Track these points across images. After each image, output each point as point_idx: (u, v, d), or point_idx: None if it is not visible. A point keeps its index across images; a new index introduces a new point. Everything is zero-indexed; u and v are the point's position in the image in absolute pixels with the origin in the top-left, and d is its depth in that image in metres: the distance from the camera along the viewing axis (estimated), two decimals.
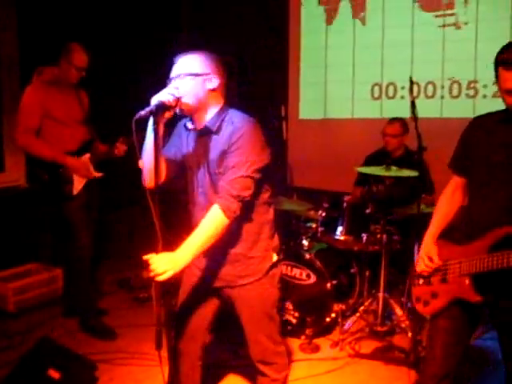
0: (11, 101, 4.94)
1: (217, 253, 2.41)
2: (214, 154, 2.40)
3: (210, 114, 2.44)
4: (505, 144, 2.32)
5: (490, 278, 2.30)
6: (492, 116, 2.42)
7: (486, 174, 2.39)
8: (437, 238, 2.57)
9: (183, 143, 2.55)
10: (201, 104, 2.41)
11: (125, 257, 5.30)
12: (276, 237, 2.66)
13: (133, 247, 5.35)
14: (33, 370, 3.13)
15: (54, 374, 3.15)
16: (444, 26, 4.93)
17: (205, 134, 2.45)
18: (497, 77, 2.26)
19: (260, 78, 5.87)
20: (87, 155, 4.10)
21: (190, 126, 2.51)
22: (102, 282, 5.09)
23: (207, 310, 2.70)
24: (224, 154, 2.36)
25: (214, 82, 2.42)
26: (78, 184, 4.03)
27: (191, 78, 2.36)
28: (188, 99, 2.36)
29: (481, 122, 2.48)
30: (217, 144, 2.40)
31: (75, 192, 4.01)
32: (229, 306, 2.67)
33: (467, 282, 2.36)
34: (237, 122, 2.38)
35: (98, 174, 4.16)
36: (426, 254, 2.54)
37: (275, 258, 2.61)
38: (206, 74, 2.40)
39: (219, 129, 2.40)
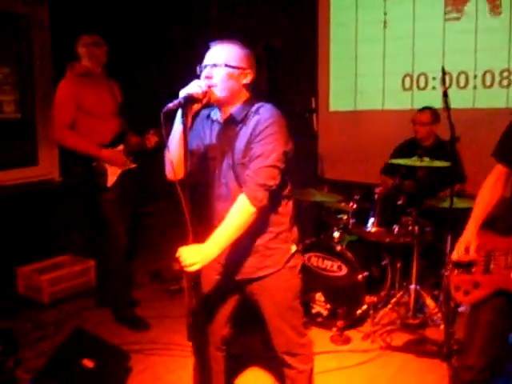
0: (44, 96, 5.02)
1: (239, 245, 2.39)
2: (239, 143, 2.38)
3: (236, 106, 2.42)
4: None
5: None
6: None
7: None
8: (480, 227, 2.53)
9: (206, 134, 2.53)
10: (232, 97, 2.40)
11: (157, 249, 5.35)
12: (295, 229, 2.64)
13: (165, 239, 5.40)
14: (67, 359, 3.18)
15: (89, 364, 3.20)
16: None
17: (230, 125, 2.44)
18: None
19: (290, 71, 5.85)
20: (121, 146, 4.14)
21: (214, 116, 2.50)
22: (134, 274, 5.14)
23: (226, 305, 2.70)
24: (249, 144, 2.34)
25: (248, 78, 2.42)
26: (112, 176, 4.06)
27: (228, 69, 2.35)
28: (220, 91, 2.34)
29: None
30: (242, 134, 2.38)
31: (109, 184, 4.05)
32: (251, 301, 2.65)
33: None
34: (263, 113, 2.36)
35: (132, 165, 4.19)
36: (465, 244, 2.51)
37: (294, 249, 2.59)
38: (243, 69, 2.40)
39: (245, 119, 2.39)
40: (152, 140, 4.15)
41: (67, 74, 4.03)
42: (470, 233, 2.52)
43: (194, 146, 2.54)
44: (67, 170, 4.20)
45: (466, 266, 2.52)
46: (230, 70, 2.35)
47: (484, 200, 2.56)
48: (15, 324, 4.13)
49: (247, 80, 2.42)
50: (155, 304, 4.64)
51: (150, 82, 5.44)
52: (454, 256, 2.55)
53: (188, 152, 2.21)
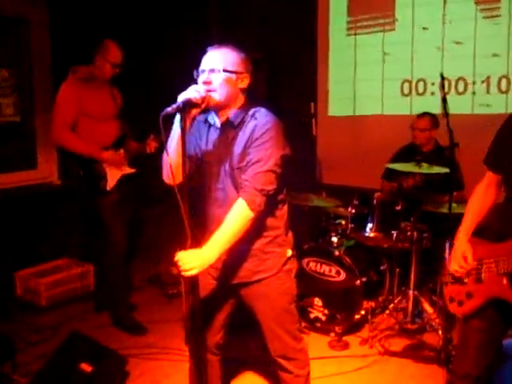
0: (43, 99, 5.02)
1: (235, 249, 2.39)
2: (236, 148, 2.39)
3: (233, 110, 2.43)
4: None
5: None
6: None
7: None
8: (470, 236, 2.52)
9: (203, 138, 2.54)
10: (229, 101, 2.41)
11: (155, 253, 5.35)
12: (290, 233, 2.65)
13: (163, 243, 5.39)
14: (65, 363, 3.19)
15: (86, 368, 3.20)
16: (476, 19, 4.86)
17: (227, 129, 2.45)
18: None
19: (289, 76, 5.85)
20: (121, 150, 4.15)
21: (211, 121, 2.51)
22: (132, 278, 5.14)
23: (221, 310, 2.70)
24: (246, 149, 2.35)
25: (245, 82, 2.44)
26: (112, 180, 4.07)
27: (226, 74, 2.36)
28: (218, 95, 2.35)
29: None
30: (239, 139, 2.39)
31: (109, 187, 4.06)
32: (246, 305, 2.65)
33: (505, 281, 2.31)
34: (260, 118, 2.37)
35: (132, 170, 4.21)
36: (461, 254, 2.49)
37: (289, 253, 2.60)
38: (240, 73, 2.41)
39: (242, 123, 2.40)
40: (152, 145, 4.17)
41: (69, 77, 4.03)
42: (463, 241, 2.51)
43: (192, 150, 2.55)
44: (67, 173, 4.19)
45: (460, 278, 2.51)
46: (228, 74, 2.36)
47: (474, 207, 2.54)
48: (13, 327, 4.14)
49: (244, 84, 2.44)
50: (153, 308, 4.64)
51: (152, 86, 5.44)
52: (453, 268, 2.53)
53: (186, 156, 2.22)
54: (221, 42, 2.46)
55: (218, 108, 2.42)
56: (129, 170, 4.18)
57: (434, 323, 3.96)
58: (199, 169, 2.57)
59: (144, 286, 5.18)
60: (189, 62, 2.50)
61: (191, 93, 2.23)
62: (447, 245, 3.53)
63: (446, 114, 3.60)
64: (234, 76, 2.38)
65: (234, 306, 2.74)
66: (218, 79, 2.35)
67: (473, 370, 2.43)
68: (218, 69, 2.34)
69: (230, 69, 2.37)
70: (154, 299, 4.85)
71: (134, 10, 5.52)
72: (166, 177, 2.44)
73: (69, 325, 4.21)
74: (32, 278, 4.74)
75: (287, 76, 5.84)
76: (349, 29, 5.61)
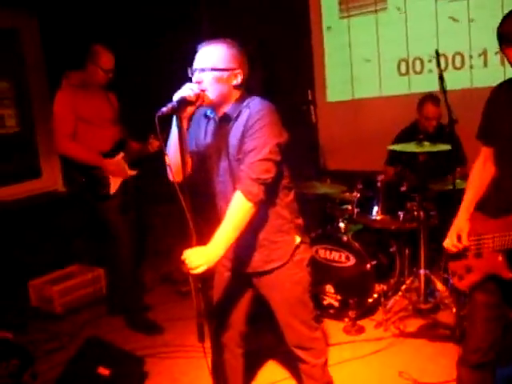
0: (42, 107, 5.03)
1: (243, 240, 2.39)
2: (233, 140, 2.38)
3: (229, 105, 2.42)
4: None
5: None
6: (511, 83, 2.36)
7: (509, 145, 2.33)
8: (472, 211, 2.50)
9: (202, 132, 2.54)
10: (223, 99, 2.39)
11: (165, 252, 5.36)
12: (300, 219, 2.63)
13: (172, 242, 5.41)
14: (83, 368, 3.21)
15: (104, 371, 3.22)
16: None
17: (224, 122, 2.43)
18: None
19: (285, 64, 5.83)
20: (121, 154, 4.16)
21: (211, 114, 2.50)
22: (144, 278, 5.16)
23: (241, 300, 2.72)
24: (242, 139, 2.34)
25: (239, 78, 2.40)
26: (114, 184, 4.09)
27: (216, 73, 2.33)
28: (211, 94, 2.34)
29: (501, 91, 2.41)
30: (235, 130, 2.38)
31: (112, 192, 4.07)
32: (261, 295, 2.67)
33: (500, 258, 2.31)
34: (253, 107, 2.35)
35: (133, 172, 4.22)
36: (457, 232, 2.49)
37: (298, 240, 2.58)
38: (233, 69, 2.37)
39: (239, 115, 2.38)
40: (154, 144, 4.17)
41: (63, 84, 4.03)
42: (462, 219, 2.50)
43: (191, 145, 2.55)
44: (70, 180, 4.21)
45: (459, 253, 2.51)
46: (218, 73, 2.34)
47: (473, 183, 2.53)
48: (30, 336, 4.17)
49: (238, 80, 2.40)
50: (167, 307, 4.66)
51: (148, 86, 5.43)
52: (446, 244, 2.53)
53: (185, 156, 2.22)
54: (212, 37, 2.44)
55: (213, 106, 2.41)
56: (131, 173, 4.19)
57: (446, 301, 3.96)
58: (203, 163, 2.57)
59: (156, 285, 5.20)
60: (184, 59, 2.48)
61: (185, 91, 2.23)
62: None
63: (443, 90, 3.58)
64: (225, 74, 2.35)
65: (252, 296, 2.74)
66: (207, 78, 2.32)
67: (482, 343, 2.42)
68: (207, 68, 2.32)
69: (219, 67, 2.33)
70: (168, 298, 4.87)
71: (127, 13, 5.50)
72: (172, 176, 2.45)
73: (85, 330, 4.25)
74: (45, 286, 4.77)
75: (283, 65, 5.81)
76: (341, 10, 5.58)
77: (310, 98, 5.21)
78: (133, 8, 5.60)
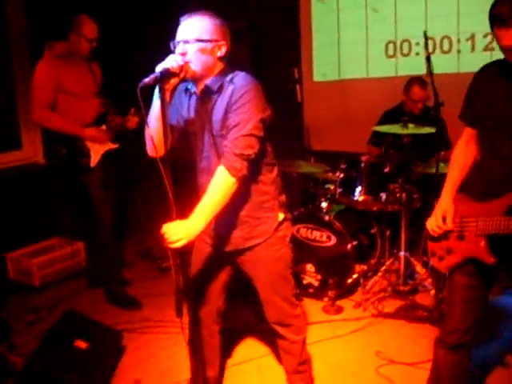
0: (23, 78, 4.93)
1: (224, 216, 2.38)
2: (216, 115, 2.36)
3: (211, 77, 2.38)
4: (507, 97, 2.26)
5: (507, 240, 2.26)
6: (496, 66, 2.34)
7: (492, 128, 2.33)
8: (455, 192, 2.50)
9: (184, 108, 2.51)
10: (207, 70, 2.36)
11: (146, 227, 5.34)
12: (283, 196, 2.62)
13: (153, 217, 5.38)
14: (60, 341, 3.18)
15: (81, 344, 3.19)
16: None
17: (207, 96, 2.40)
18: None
19: (273, 43, 5.79)
20: (103, 127, 4.10)
21: (192, 89, 2.46)
22: (125, 254, 5.15)
23: (219, 276, 2.71)
24: (226, 114, 2.31)
25: (223, 50, 2.37)
26: (95, 156, 4.03)
27: (200, 44, 2.30)
28: (195, 66, 2.30)
29: (486, 73, 2.39)
30: (218, 105, 2.35)
31: (92, 164, 4.02)
32: (242, 271, 2.66)
33: (482, 243, 2.31)
34: (237, 82, 2.33)
35: (115, 145, 4.17)
36: (441, 214, 2.47)
37: (281, 216, 2.57)
38: (216, 41, 2.34)
39: (221, 89, 2.35)
40: (133, 120, 4.12)
41: (45, 55, 3.95)
42: (446, 201, 2.48)
43: (174, 121, 2.52)
44: (50, 152, 4.15)
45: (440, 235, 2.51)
46: (203, 44, 2.30)
47: (457, 164, 2.52)
48: (8, 309, 4.16)
49: (221, 52, 2.37)
50: (147, 282, 4.65)
51: (131, 59, 5.36)
52: (430, 225, 2.52)
53: (168, 128, 2.19)
54: (199, 5, 2.39)
55: (197, 78, 2.37)
56: (112, 146, 4.14)
57: (425, 283, 4.00)
58: (184, 139, 2.55)
59: (137, 260, 5.19)
60: (170, 34, 2.43)
61: (169, 62, 2.18)
62: (435, 204, 3.54)
63: (430, 73, 3.57)
64: (209, 45, 2.32)
65: (231, 273, 2.74)
66: (192, 50, 2.29)
67: (460, 324, 2.43)
68: (192, 39, 2.28)
69: (204, 38, 2.30)
70: (147, 273, 4.86)
71: None
72: (150, 150, 2.42)
73: (63, 303, 4.22)
74: (24, 259, 4.72)
75: (271, 43, 5.77)
76: None
77: (296, 76, 5.17)
78: None
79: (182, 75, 2.26)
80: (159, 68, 2.15)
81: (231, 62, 2.46)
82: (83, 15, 3.94)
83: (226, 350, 3.32)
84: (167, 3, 5.65)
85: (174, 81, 2.24)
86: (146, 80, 2.08)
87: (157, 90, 2.19)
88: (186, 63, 2.27)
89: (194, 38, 2.29)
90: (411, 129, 3.89)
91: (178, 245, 2.14)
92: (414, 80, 4.51)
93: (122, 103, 4.05)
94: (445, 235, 2.48)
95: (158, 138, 2.20)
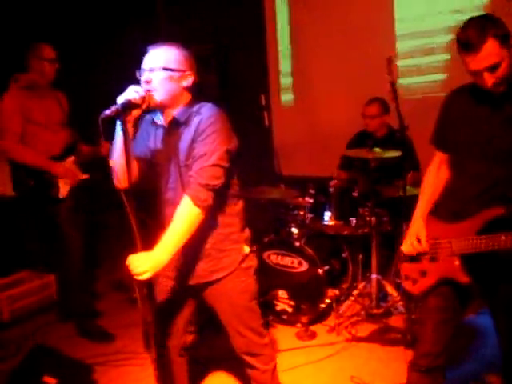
0: None
1: (189, 249, 2.37)
2: (182, 145, 2.35)
3: (178, 108, 2.39)
4: (477, 120, 2.30)
5: (480, 258, 2.29)
6: (466, 90, 2.38)
7: (464, 150, 2.37)
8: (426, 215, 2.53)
9: (151, 139, 2.50)
10: (172, 100, 2.36)
11: (116, 258, 5.27)
12: (247, 229, 2.62)
13: (124, 248, 5.33)
14: (27, 377, 3.12)
15: (50, 381, 3.14)
16: None
17: (173, 127, 2.40)
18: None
19: (239, 69, 5.83)
20: (72, 158, 4.08)
21: (158, 121, 2.46)
22: (96, 284, 5.08)
23: (183, 310, 2.68)
24: (192, 144, 2.31)
25: (189, 80, 2.38)
26: (64, 187, 4.00)
27: (166, 73, 2.31)
28: (160, 95, 2.31)
29: (456, 97, 2.44)
30: (185, 135, 2.35)
31: (61, 196, 3.98)
32: (207, 304, 2.64)
33: (457, 262, 2.34)
34: (204, 112, 2.33)
35: (84, 176, 4.14)
36: (415, 235, 2.50)
37: (247, 250, 2.57)
38: (183, 71, 2.36)
39: (188, 120, 2.35)
40: (106, 147, 4.09)
41: (11, 87, 3.94)
42: (419, 223, 2.52)
43: (140, 152, 2.51)
44: (17, 184, 4.09)
45: (413, 257, 2.53)
46: (169, 72, 2.31)
47: (428, 187, 2.57)
48: None
49: (188, 82, 2.38)
50: (118, 313, 4.57)
51: (99, 88, 5.35)
52: (405, 248, 2.54)
53: (131, 160, 2.18)
54: (168, 37, 2.41)
55: (161, 108, 2.38)
56: (81, 177, 4.11)
57: (398, 305, 4.00)
58: (151, 170, 2.54)
59: (108, 292, 5.11)
60: (138, 59, 2.44)
61: (130, 94, 2.18)
62: (405, 226, 3.56)
63: (395, 97, 3.62)
64: (175, 74, 2.33)
65: (195, 306, 2.72)
66: (157, 77, 2.30)
67: (433, 347, 2.45)
68: (158, 67, 2.29)
69: (170, 67, 2.31)
70: (119, 304, 4.78)
71: (80, 16, 5.41)
72: (117, 181, 2.40)
73: (34, 338, 4.13)
74: None
75: (238, 69, 5.82)
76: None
77: (263, 102, 5.21)
78: (90, 10, 5.52)
79: (144, 106, 2.25)
80: (120, 100, 2.14)
81: (198, 92, 2.47)
82: (39, 42, 3.97)
83: (197, 381, 3.28)
84: (135, 31, 5.68)
85: (135, 112, 2.24)
86: (107, 112, 2.07)
87: (118, 123, 2.18)
88: (149, 93, 2.27)
89: (161, 67, 2.30)
90: (377, 153, 3.93)
91: (144, 277, 2.13)
92: (369, 100, 4.58)
93: (92, 132, 4.02)
94: (418, 258, 2.50)
95: (122, 170, 2.20)
